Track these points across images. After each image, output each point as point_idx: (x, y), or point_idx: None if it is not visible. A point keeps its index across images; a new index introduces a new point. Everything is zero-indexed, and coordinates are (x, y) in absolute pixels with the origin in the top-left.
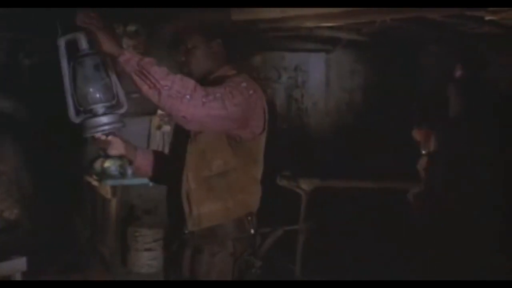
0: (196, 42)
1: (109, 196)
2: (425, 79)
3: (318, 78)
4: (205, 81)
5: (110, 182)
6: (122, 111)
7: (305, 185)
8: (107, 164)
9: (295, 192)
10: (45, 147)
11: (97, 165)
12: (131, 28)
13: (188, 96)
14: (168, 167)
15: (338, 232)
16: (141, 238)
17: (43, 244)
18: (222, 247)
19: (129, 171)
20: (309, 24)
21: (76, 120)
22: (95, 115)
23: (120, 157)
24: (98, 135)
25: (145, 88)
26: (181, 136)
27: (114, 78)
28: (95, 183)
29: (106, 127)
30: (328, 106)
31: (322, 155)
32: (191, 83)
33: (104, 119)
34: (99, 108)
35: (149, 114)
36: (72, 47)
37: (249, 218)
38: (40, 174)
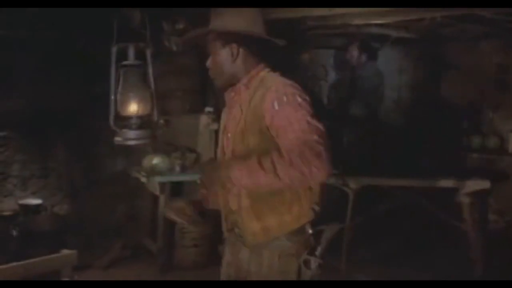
0: (213, 48)
1: (157, 192)
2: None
3: None
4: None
5: (158, 179)
6: (152, 125)
7: (353, 184)
8: (156, 160)
9: (343, 190)
10: (94, 142)
11: (146, 161)
12: (180, 25)
13: None
14: None
15: (384, 230)
16: (189, 235)
17: (90, 239)
18: (283, 248)
19: (177, 167)
20: (358, 21)
21: (113, 126)
22: (129, 127)
23: (169, 154)
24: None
25: None
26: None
27: (154, 92)
28: (143, 179)
29: (134, 142)
30: None
31: (370, 154)
32: None
33: (135, 134)
34: (134, 119)
35: (197, 112)
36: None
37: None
38: (89, 170)
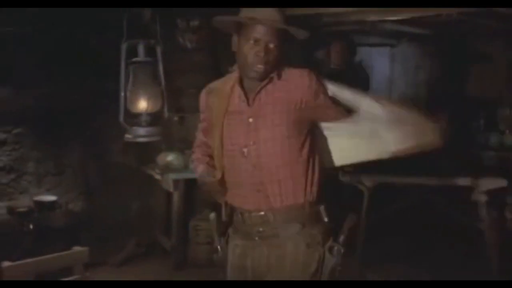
0: (272, 37)
1: (171, 189)
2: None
3: (382, 73)
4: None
5: (172, 176)
6: (163, 122)
7: (367, 181)
8: (170, 158)
9: (357, 188)
10: (109, 139)
11: (160, 159)
12: (194, 23)
13: None
14: None
15: (398, 229)
16: (202, 232)
17: (104, 236)
18: (310, 237)
19: (191, 164)
20: (373, 18)
21: (123, 123)
22: (140, 124)
23: (183, 151)
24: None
25: None
26: None
27: (164, 89)
28: (157, 176)
29: (144, 139)
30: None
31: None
32: None
33: (146, 131)
34: (144, 116)
35: None
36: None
37: (323, 207)
38: (103, 167)
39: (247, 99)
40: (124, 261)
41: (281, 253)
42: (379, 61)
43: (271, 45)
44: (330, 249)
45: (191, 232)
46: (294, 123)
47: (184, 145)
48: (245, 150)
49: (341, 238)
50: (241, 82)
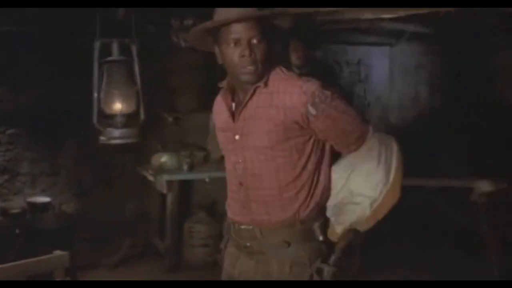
0: (256, 33)
1: (165, 190)
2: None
3: (382, 72)
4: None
5: (166, 177)
6: (139, 124)
7: None
8: (164, 159)
9: None
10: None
11: (155, 159)
12: (188, 22)
13: None
14: None
15: (400, 231)
16: (197, 234)
17: (99, 237)
18: (295, 257)
19: (186, 166)
20: (367, 16)
21: (97, 125)
22: (115, 126)
23: (177, 152)
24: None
25: None
26: None
27: (140, 89)
28: (150, 177)
29: (119, 141)
30: (392, 101)
31: None
32: None
33: (120, 132)
34: (119, 117)
35: (206, 110)
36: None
37: (318, 224)
38: (97, 168)
39: (233, 115)
40: (118, 263)
41: (268, 270)
42: (378, 60)
43: (254, 41)
44: (319, 271)
45: (185, 234)
46: (282, 143)
47: (179, 146)
48: (236, 166)
49: (332, 259)
50: (231, 94)
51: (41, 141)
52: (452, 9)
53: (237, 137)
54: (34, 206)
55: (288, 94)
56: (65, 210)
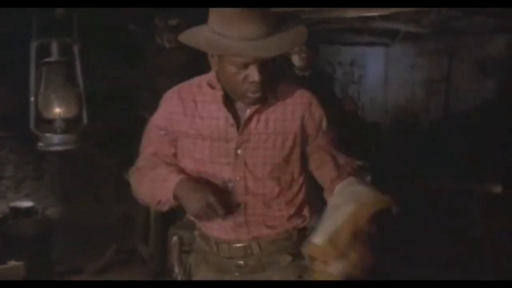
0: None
1: None
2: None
3: (376, 73)
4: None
5: None
6: (80, 129)
7: None
8: None
9: None
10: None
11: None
12: (172, 22)
13: None
14: None
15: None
16: (183, 240)
17: (83, 242)
18: (298, 271)
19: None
20: (352, 14)
21: (34, 130)
22: (54, 131)
23: None
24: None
25: None
26: None
27: (82, 92)
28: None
29: (58, 148)
30: (387, 102)
31: (380, 154)
32: None
33: (59, 139)
34: (59, 122)
35: None
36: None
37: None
38: (82, 171)
39: (238, 125)
40: (102, 269)
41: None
42: (373, 60)
43: (267, 62)
44: None
45: (170, 240)
46: (290, 158)
47: None
48: (229, 185)
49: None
50: (226, 97)
51: (25, 144)
52: (443, 8)
53: (239, 151)
54: (16, 211)
55: (306, 105)
56: (48, 215)
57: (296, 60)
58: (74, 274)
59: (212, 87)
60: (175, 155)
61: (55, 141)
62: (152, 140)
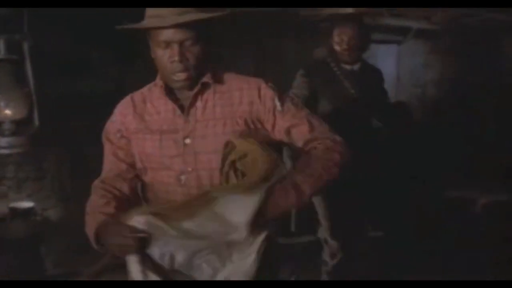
0: (185, 36)
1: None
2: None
3: (388, 72)
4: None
5: None
6: (31, 131)
7: None
8: None
9: None
10: (86, 143)
11: None
12: None
13: None
14: None
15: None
16: None
17: (81, 245)
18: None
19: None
20: (350, 11)
21: None
22: (2, 134)
23: None
24: None
25: None
26: None
27: (32, 91)
28: None
29: (6, 151)
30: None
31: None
32: None
33: (8, 141)
34: (7, 124)
35: None
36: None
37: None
38: (82, 172)
39: (183, 113)
40: (100, 273)
41: None
42: (384, 58)
43: (187, 43)
44: None
45: None
46: None
47: None
48: (182, 177)
49: None
50: (169, 90)
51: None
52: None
53: (187, 140)
54: (15, 211)
55: (254, 90)
56: (48, 216)
57: (336, 44)
58: (71, 277)
59: (156, 84)
60: (132, 165)
61: (2, 144)
62: (106, 160)
